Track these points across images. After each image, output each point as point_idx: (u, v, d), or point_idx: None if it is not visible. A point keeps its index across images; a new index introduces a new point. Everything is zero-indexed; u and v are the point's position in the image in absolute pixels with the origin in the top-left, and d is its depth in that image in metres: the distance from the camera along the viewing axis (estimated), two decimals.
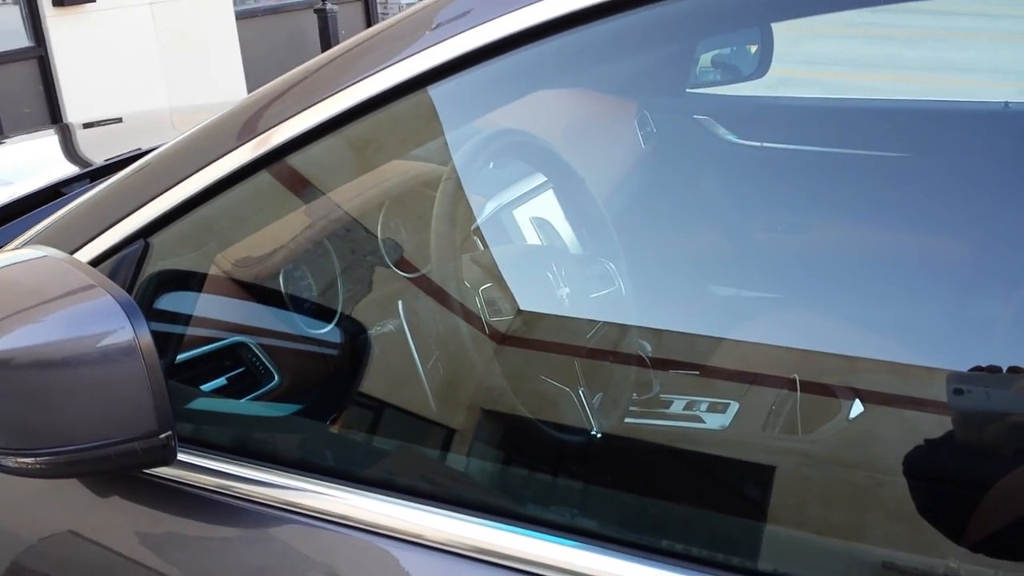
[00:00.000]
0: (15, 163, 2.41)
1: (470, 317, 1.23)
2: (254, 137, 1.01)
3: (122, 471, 0.97)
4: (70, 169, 2.13)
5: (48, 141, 2.77)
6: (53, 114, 5.91)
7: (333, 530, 0.93)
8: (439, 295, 1.23)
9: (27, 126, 5.46)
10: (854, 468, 1.23)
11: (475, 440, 1.19)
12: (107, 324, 0.80)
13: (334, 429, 1.21)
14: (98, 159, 2.06)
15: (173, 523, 1.01)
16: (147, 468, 0.92)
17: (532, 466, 1.22)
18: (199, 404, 1.19)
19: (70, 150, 2.62)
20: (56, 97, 5.90)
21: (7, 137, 3.05)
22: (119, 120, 2.83)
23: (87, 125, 2.91)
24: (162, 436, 0.82)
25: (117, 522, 1.04)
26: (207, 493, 0.99)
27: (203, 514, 0.99)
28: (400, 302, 1.33)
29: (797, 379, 1.33)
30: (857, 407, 1.26)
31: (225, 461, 1.01)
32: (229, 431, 1.17)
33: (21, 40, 5.78)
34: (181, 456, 1.02)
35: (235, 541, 0.98)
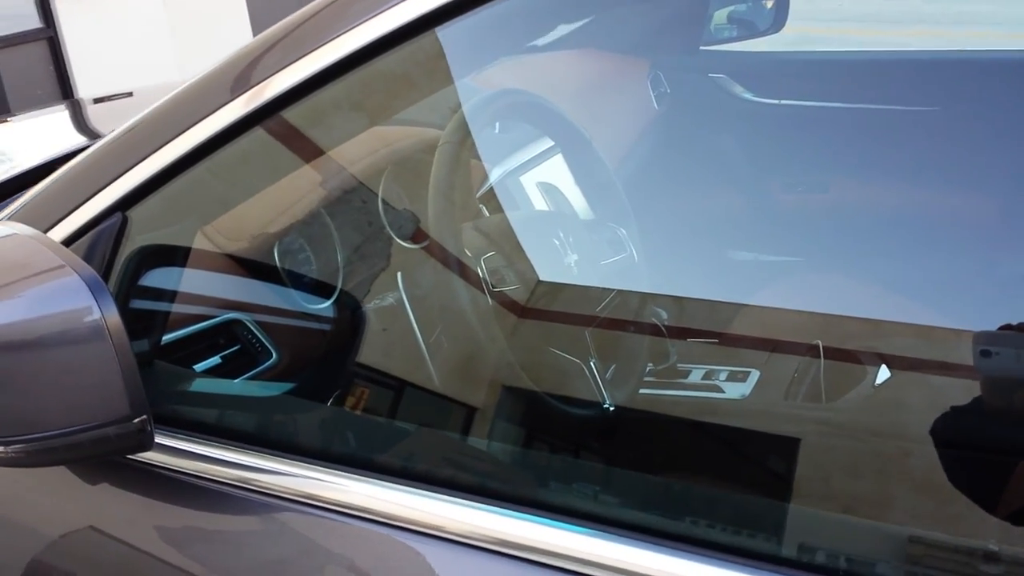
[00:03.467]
0: (22, 139, 2.38)
1: (472, 288, 1.17)
2: (242, 94, 0.95)
3: (99, 458, 0.92)
4: (77, 142, 2.09)
5: (58, 117, 2.75)
6: (65, 95, 5.88)
7: (340, 520, 0.87)
8: (440, 266, 1.17)
9: (40, 105, 5.43)
10: (881, 437, 1.17)
11: (481, 420, 1.14)
12: (72, 304, 0.75)
13: (335, 411, 1.16)
14: (107, 132, 2.01)
15: (184, 516, 0.96)
16: (124, 454, 0.88)
17: (543, 446, 1.17)
18: (193, 386, 1.14)
19: (80, 125, 2.58)
20: (68, 78, 5.88)
21: (13, 115, 3.04)
22: (130, 94, 2.79)
23: (97, 100, 2.88)
24: (136, 421, 0.77)
25: (131, 515, 0.99)
26: (212, 484, 0.94)
27: (212, 505, 0.94)
28: (400, 274, 1.27)
29: (820, 345, 1.28)
30: (883, 373, 1.20)
31: (222, 447, 0.96)
32: (225, 415, 1.12)
33: (31, 22, 5.75)
34: (174, 442, 0.97)
35: (248, 534, 0.93)
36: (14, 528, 1.07)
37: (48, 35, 5.79)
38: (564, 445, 1.18)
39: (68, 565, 1.03)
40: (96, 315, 0.75)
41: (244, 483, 0.92)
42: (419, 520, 0.83)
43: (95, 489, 0.99)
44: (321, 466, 0.90)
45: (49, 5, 5.71)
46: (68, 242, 0.97)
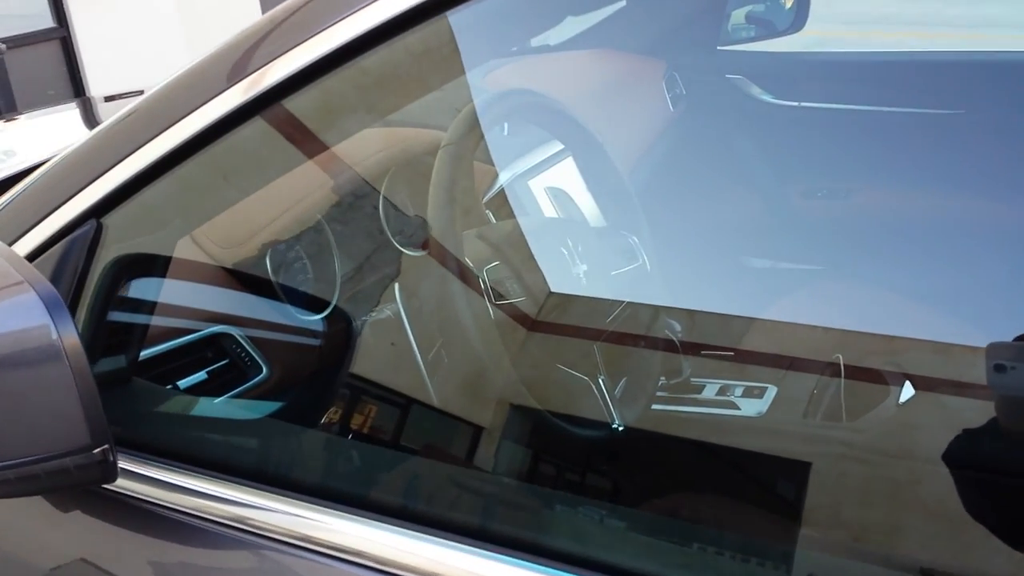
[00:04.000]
0: (29, 137, 2.37)
1: (475, 300, 1.11)
2: (235, 83, 0.89)
3: (59, 491, 0.86)
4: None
5: (68, 115, 2.74)
6: (77, 95, 5.87)
7: (331, 565, 0.80)
8: (441, 276, 1.11)
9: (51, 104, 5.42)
10: (904, 459, 1.11)
11: (485, 448, 1.07)
12: (27, 323, 0.69)
13: (326, 439, 1.09)
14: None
15: (160, 553, 0.89)
16: (84, 486, 0.81)
17: (553, 479, 1.10)
18: (174, 407, 1.08)
19: (90, 123, 2.56)
20: (80, 78, 5.87)
21: (21, 112, 3.03)
22: (141, 92, 2.77)
23: (109, 98, 2.86)
24: (97, 451, 0.71)
25: (105, 549, 0.93)
26: (191, 519, 0.87)
27: (189, 542, 0.87)
28: (398, 285, 1.21)
29: (841, 360, 1.22)
30: (908, 391, 1.13)
31: (202, 478, 0.89)
32: (208, 441, 1.04)
33: (44, 21, 5.73)
34: (151, 472, 0.90)
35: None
36: None
37: (61, 35, 5.77)
38: (574, 475, 1.12)
39: None
40: (53, 336, 0.69)
41: (224, 519, 0.85)
42: (417, 567, 0.76)
43: (67, 517, 0.92)
44: (312, 503, 0.83)
45: (62, 5, 5.70)
46: (39, 252, 0.92)
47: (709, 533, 0.95)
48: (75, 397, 0.69)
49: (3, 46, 4.60)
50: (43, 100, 5.50)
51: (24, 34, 5.58)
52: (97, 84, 5.89)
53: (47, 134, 2.40)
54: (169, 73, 1.01)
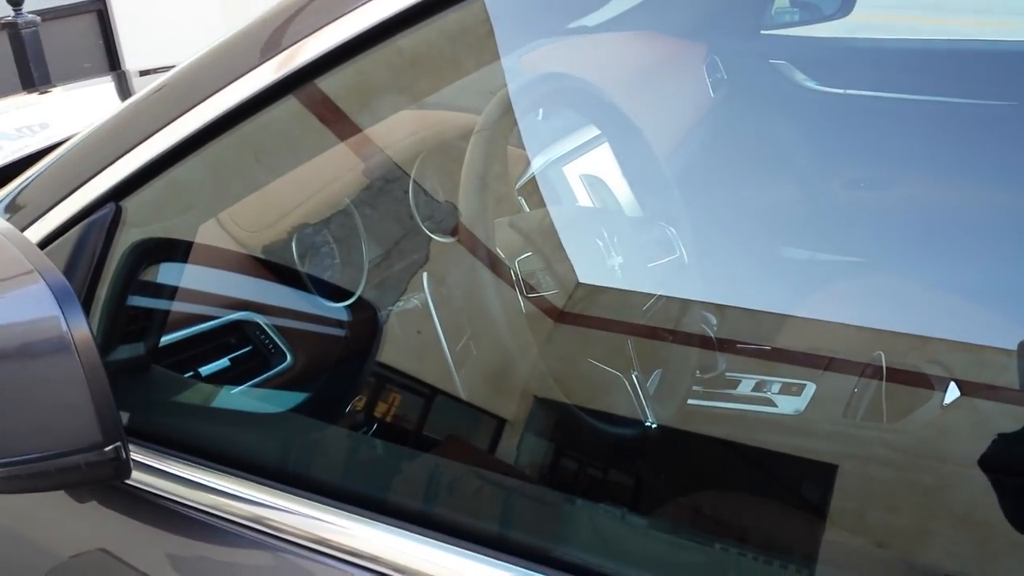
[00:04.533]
0: (62, 110, 2.37)
1: (505, 292, 1.07)
2: (263, 63, 0.85)
3: (70, 487, 0.84)
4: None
5: (102, 88, 2.74)
6: (113, 68, 5.89)
7: (347, 570, 0.77)
8: (471, 266, 1.07)
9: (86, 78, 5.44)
10: (949, 463, 1.07)
11: (513, 448, 1.03)
12: (36, 313, 0.66)
13: (348, 436, 1.06)
14: None
15: (170, 543, 0.87)
16: (97, 484, 0.79)
17: (580, 481, 1.06)
18: (191, 395, 1.05)
19: (124, 97, 2.56)
20: (116, 51, 5.88)
21: (54, 86, 3.05)
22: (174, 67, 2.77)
23: (143, 73, 2.87)
24: (108, 449, 0.68)
25: (123, 543, 0.91)
26: (203, 515, 0.85)
27: (206, 539, 0.85)
28: (426, 274, 1.18)
29: (883, 358, 1.18)
30: (953, 392, 1.09)
31: (220, 474, 0.86)
32: (226, 436, 1.01)
33: None
34: (168, 467, 0.87)
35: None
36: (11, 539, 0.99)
37: (97, 7, 5.79)
38: (605, 477, 1.08)
39: None
40: (63, 328, 0.66)
41: (241, 518, 0.82)
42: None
43: (85, 508, 0.90)
44: (330, 505, 0.80)
45: None
46: (55, 236, 0.89)
47: (747, 536, 0.92)
48: (86, 393, 0.66)
49: (38, 18, 4.61)
50: (78, 73, 5.52)
51: (61, 6, 5.59)
52: (132, 57, 5.90)
53: (81, 107, 2.40)
54: (197, 50, 0.98)
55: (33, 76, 4.58)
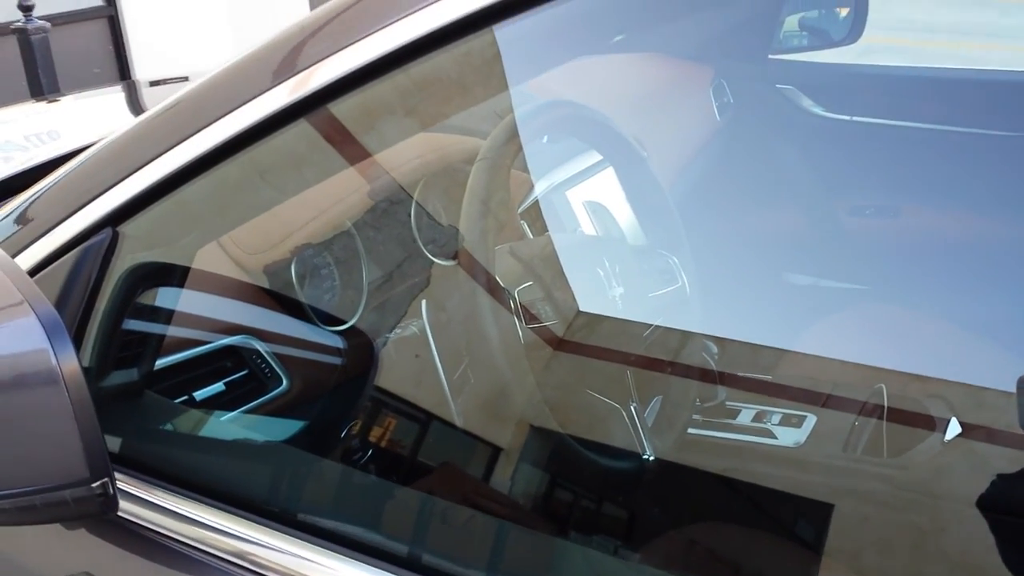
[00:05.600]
0: (73, 118, 2.36)
1: (503, 319, 1.06)
2: (267, 91, 0.85)
3: (58, 521, 0.83)
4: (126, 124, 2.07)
5: (112, 98, 2.74)
6: (123, 74, 5.90)
7: None
8: (470, 295, 1.06)
9: (96, 86, 5.45)
10: (950, 501, 1.06)
11: (507, 483, 1.02)
12: (24, 346, 0.65)
13: (342, 471, 1.04)
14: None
15: (156, 574, 0.86)
16: (84, 519, 0.78)
17: (579, 521, 1.05)
18: (183, 423, 1.04)
19: (134, 107, 2.55)
20: (125, 57, 5.89)
21: (63, 94, 3.05)
22: (185, 79, 2.78)
23: (154, 83, 2.87)
24: (96, 484, 0.67)
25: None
26: (189, 549, 0.83)
27: (184, 568, 0.83)
28: (425, 301, 1.17)
29: (884, 391, 1.17)
30: (955, 427, 1.08)
31: (209, 508, 0.85)
32: (218, 469, 1.00)
33: (92, 0, 5.76)
34: (159, 499, 0.86)
35: None
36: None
37: (109, 13, 5.80)
38: (603, 514, 1.07)
39: None
40: (52, 361, 0.65)
41: (226, 553, 0.81)
42: None
43: (73, 535, 0.89)
44: (316, 544, 0.79)
45: None
46: (48, 261, 0.88)
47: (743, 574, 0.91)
48: (74, 428, 0.66)
49: (47, 24, 4.61)
50: (88, 79, 5.54)
51: (72, 11, 5.61)
52: (143, 64, 5.91)
53: (91, 117, 2.38)
54: (205, 71, 0.98)
55: (42, 83, 4.58)
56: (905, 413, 1.17)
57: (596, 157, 1.46)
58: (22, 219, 0.95)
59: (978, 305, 1.42)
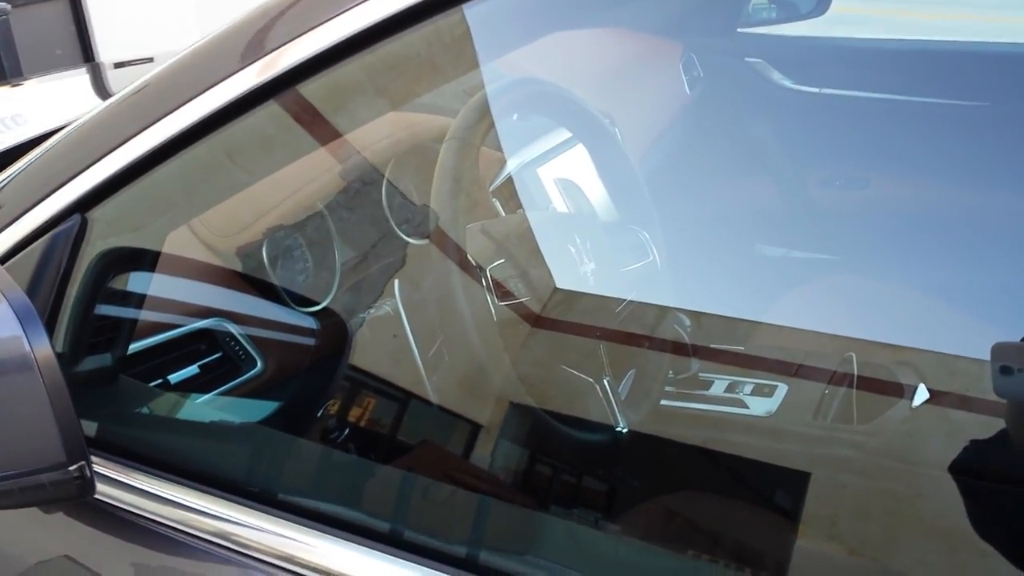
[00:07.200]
0: (37, 102, 2.32)
1: (478, 299, 1.07)
2: (235, 73, 0.85)
3: (35, 505, 0.83)
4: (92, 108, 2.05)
5: (77, 81, 2.70)
6: (86, 55, 5.81)
7: None
8: (443, 273, 1.07)
9: (59, 67, 5.37)
10: (920, 465, 1.08)
11: (485, 458, 1.03)
12: None
13: (318, 450, 1.05)
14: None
15: (135, 554, 0.86)
16: (62, 502, 0.78)
17: (552, 491, 1.06)
18: (159, 405, 1.04)
19: (99, 89, 2.52)
20: (88, 38, 5.80)
21: (27, 78, 3.00)
22: (151, 60, 2.74)
23: (118, 65, 2.83)
24: (72, 468, 0.67)
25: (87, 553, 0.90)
26: (169, 530, 0.84)
27: (163, 548, 0.84)
28: (398, 280, 1.17)
29: (854, 359, 1.18)
30: (922, 393, 1.10)
31: (185, 489, 0.85)
32: (195, 450, 1.00)
33: None
34: (136, 481, 0.87)
35: None
36: None
37: None
38: (578, 486, 1.08)
39: None
40: (25, 348, 0.65)
41: (206, 533, 0.81)
42: None
43: (51, 518, 0.89)
44: (296, 522, 0.80)
45: None
46: (19, 248, 0.87)
47: (719, 541, 0.92)
48: (49, 413, 0.66)
49: (7, 6, 4.53)
50: (50, 60, 5.45)
51: None
52: (106, 45, 5.82)
53: (56, 100, 2.36)
54: (171, 52, 0.97)
55: (4, 66, 4.50)
56: (875, 381, 1.18)
57: (566, 134, 1.46)
58: None
59: (947, 274, 1.44)
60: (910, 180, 1.80)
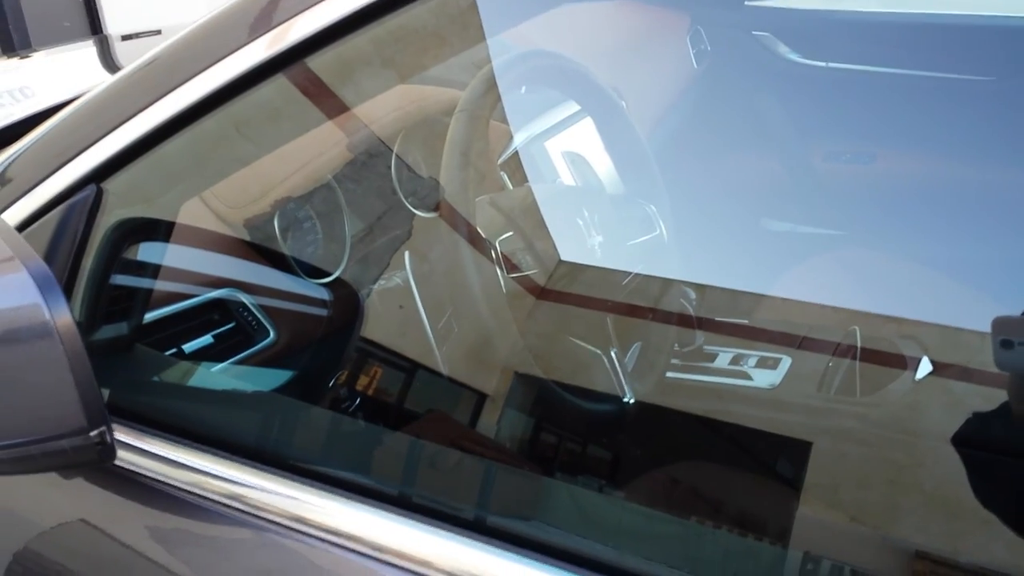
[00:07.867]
0: (45, 74, 2.32)
1: (485, 270, 1.08)
2: (245, 46, 0.86)
3: (56, 470, 0.85)
4: (100, 81, 2.04)
5: (85, 53, 2.70)
6: (94, 28, 5.79)
7: (326, 549, 0.79)
8: (452, 245, 1.08)
9: (67, 40, 5.35)
10: (922, 436, 1.09)
11: (491, 427, 1.04)
12: (17, 301, 0.67)
13: (329, 416, 1.07)
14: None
15: (151, 518, 0.88)
16: (82, 467, 0.80)
17: (558, 459, 1.08)
18: (173, 373, 1.05)
19: (107, 62, 2.52)
20: (96, 10, 5.78)
21: (35, 50, 3.00)
22: (158, 32, 2.74)
23: (126, 37, 2.82)
24: (93, 433, 0.69)
25: (105, 518, 0.92)
26: (185, 493, 0.86)
27: (179, 511, 0.86)
28: (409, 251, 1.18)
29: (857, 332, 1.19)
30: (926, 366, 1.10)
31: (202, 453, 0.87)
32: (209, 415, 1.02)
33: None
34: (151, 446, 0.89)
35: (225, 553, 0.85)
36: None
37: None
38: (583, 454, 1.10)
39: (56, 557, 0.97)
40: (46, 316, 0.67)
41: (221, 496, 0.83)
42: (413, 555, 0.75)
43: (69, 483, 0.91)
44: (308, 485, 0.82)
45: None
46: (35, 218, 0.89)
47: (722, 510, 0.93)
48: (70, 379, 0.67)
49: None
50: (59, 32, 5.43)
51: None
52: (114, 17, 5.80)
53: (65, 73, 2.36)
54: (179, 25, 0.98)
55: (13, 39, 4.50)
56: (878, 353, 1.19)
57: (574, 107, 1.47)
58: (3, 178, 0.96)
59: (952, 248, 1.44)
60: (916, 155, 1.80)
